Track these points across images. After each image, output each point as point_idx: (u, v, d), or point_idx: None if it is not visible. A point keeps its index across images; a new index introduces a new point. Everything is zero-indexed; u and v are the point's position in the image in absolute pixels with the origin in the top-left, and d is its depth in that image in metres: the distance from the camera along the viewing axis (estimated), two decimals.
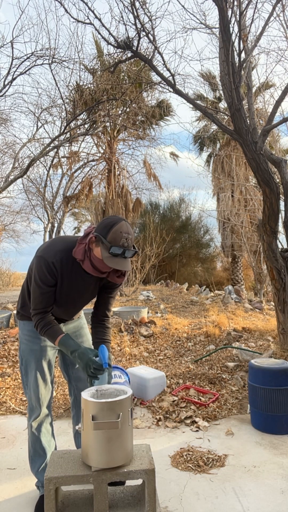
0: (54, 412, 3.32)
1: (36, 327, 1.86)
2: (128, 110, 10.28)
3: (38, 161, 10.08)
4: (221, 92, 10.45)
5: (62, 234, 13.41)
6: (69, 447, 2.67)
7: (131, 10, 4.34)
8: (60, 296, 1.88)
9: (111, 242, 1.66)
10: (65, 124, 8.63)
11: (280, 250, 4.51)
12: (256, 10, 4.08)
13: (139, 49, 4.57)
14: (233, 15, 3.73)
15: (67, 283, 1.85)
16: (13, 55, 7.13)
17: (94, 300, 2.12)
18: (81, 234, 1.89)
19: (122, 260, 1.70)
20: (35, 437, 2.03)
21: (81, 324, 2.22)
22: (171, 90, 4.59)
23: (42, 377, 2.01)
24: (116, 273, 1.88)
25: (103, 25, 4.64)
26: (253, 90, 5.07)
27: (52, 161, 12.50)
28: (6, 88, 7.67)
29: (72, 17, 5.15)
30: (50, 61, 7.52)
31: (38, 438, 2.03)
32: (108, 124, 11.25)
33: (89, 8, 4.64)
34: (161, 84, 5.67)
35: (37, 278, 1.79)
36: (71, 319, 2.14)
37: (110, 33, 4.64)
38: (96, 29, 4.78)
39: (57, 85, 8.14)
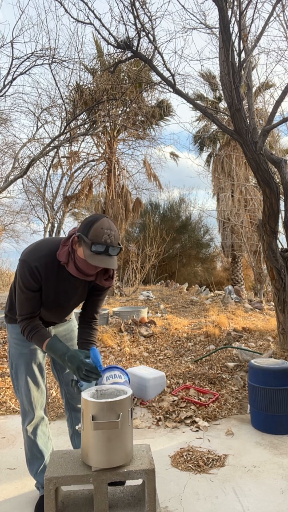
0: (54, 412, 3.32)
1: (22, 332, 1.81)
2: (128, 110, 10.28)
3: (38, 161, 10.08)
4: (221, 92, 10.46)
5: (62, 234, 13.42)
6: (69, 447, 2.67)
7: (131, 10, 4.34)
8: (47, 299, 1.83)
9: (92, 239, 1.61)
10: (65, 124, 8.64)
11: (280, 250, 4.51)
12: (256, 10, 4.09)
13: (139, 49, 4.57)
14: (233, 15, 3.74)
15: (54, 287, 1.80)
16: (13, 55, 7.14)
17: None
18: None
19: (107, 258, 1.64)
20: (31, 441, 2.01)
21: (71, 326, 2.18)
22: (171, 90, 4.60)
23: (33, 380, 1.98)
24: (103, 275, 1.83)
25: (103, 25, 4.65)
26: (253, 90, 5.06)
27: (52, 161, 12.50)
28: (6, 88, 7.68)
29: (72, 17, 5.17)
30: (50, 61, 7.53)
31: (34, 442, 2.00)
32: (108, 124, 11.24)
33: (89, 8, 4.64)
34: (161, 84, 5.68)
35: (20, 283, 1.73)
36: (61, 322, 2.11)
37: (110, 33, 4.65)
38: (96, 29, 4.79)
39: (57, 85, 8.16)
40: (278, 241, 4.59)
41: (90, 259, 1.62)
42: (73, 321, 2.22)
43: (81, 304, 2.08)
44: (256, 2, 4.02)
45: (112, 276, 1.86)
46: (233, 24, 3.79)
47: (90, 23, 4.76)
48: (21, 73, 7.57)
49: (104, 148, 13.07)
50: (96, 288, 1.96)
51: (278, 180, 4.44)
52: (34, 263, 1.71)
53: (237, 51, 3.86)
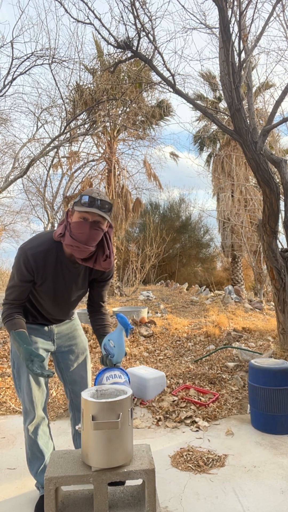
0: (54, 412, 3.32)
1: (1, 315, 1.88)
2: (128, 110, 10.28)
3: (38, 161, 10.09)
4: (221, 92, 10.45)
5: None
6: (69, 447, 2.67)
7: (131, 10, 4.34)
8: (48, 290, 1.86)
9: (82, 194, 1.72)
10: (65, 124, 8.64)
11: (280, 250, 4.51)
12: (256, 10, 4.09)
13: (139, 49, 4.57)
14: (233, 15, 3.74)
15: (53, 275, 1.83)
16: (13, 55, 7.14)
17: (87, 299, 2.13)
18: None
19: (96, 210, 1.69)
20: (32, 440, 2.00)
21: (74, 325, 2.18)
22: (171, 90, 4.59)
23: (35, 379, 1.98)
24: (101, 256, 1.85)
25: (103, 25, 4.65)
26: (253, 90, 5.07)
27: (52, 161, 12.50)
28: (6, 88, 7.68)
29: (72, 17, 5.18)
30: (50, 61, 7.54)
31: (35, 441, 2.00)
32: (108, 124, 11.24)
33: (89, 8, 4.64)
34: (161, 84, 5.68)
35: (13, 270, 1.80)
36: (65, 318, 2.11)
37: (110, 33, 4.65)
38: (96, 29, 4.79)
39: (57, 85, 8.18)
40: (278, 241, 4.60)
41: (81, 209, 1.69)
42: (76, 320, 2.22)
43: (82, 305, 2.10)
44: (256, 2, 4.02)
45: (109, 255, 1.86)
46: (233, 24, 3.79)
47: (90, 23, 4.76)
48: (21, 73, 7.57)
49: (104, 148, 13.07)
50: (97, 280, 2.00)
51: (278, 180, 4.44)
52: (31, 251, 1.76)
53: (237, 51, 3.86)
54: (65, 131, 8.74)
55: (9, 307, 1.85)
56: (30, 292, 1.91)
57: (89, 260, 1.84)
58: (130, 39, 4.49)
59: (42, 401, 2.01)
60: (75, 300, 2.02)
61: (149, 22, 4.45)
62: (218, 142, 15.66)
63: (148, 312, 7.64)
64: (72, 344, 2.13)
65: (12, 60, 7.22)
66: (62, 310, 2.02)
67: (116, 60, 5.63)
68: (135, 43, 4.51)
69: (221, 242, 16.60)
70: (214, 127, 14.51)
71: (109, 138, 12.78)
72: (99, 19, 4.61)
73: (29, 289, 1.85)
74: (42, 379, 2.02)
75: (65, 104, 8.84)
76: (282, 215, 4.51)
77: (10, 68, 7.37)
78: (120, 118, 10.60)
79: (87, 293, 2.09)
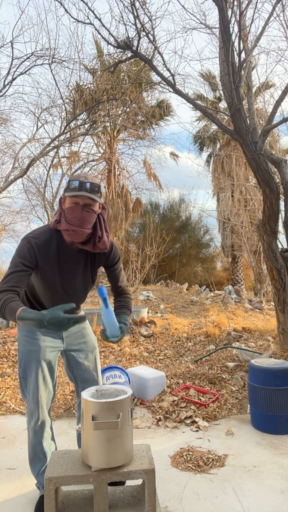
0: (54, 412, 3.32)
1: None
2: (128, 110, 10.28)
3: (38, 161, 10.07)
4: (221, 92, 10.45)
5: None
6: (69, 447, 2.67)
7: (131, 10, 4.35)
8: (54, 280, 1.87)
9: (69, 179, 1.80)
10: (65, 124, 8.63)
11: (280, 250, 4.51)
12: (256, 10, 4.09)
13: (139, 49, 4.57)
14: (233, 15, 3.74)
15: (56, 263, 1.86)
16: (13, 55, 7.12)
17: (97, 296, 2.14)
18: None
19: (85, 193, 1.75)
20: (36, 441, 1.99)
21: (82, 324, 2.18)
22: (171, 90, 4.60)
23: (42, 378, 1.96)
24: (96, 238, 1.89)
25: (103, 25, 4.65)
26: (253, 90, 5.07)
27: (52, 161, 12.47)
28: (6, 88, 7.67)
29: (72, 17, 5.17)
30: (50, 61, 7.52)
31: (39, 442, 1.99)
32: (108, 124, 11.24)
33: (89, 8, 4.64)
34: (161, 84, 5.68)
35: (15, 255, 1.81)
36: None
37: (110, 33, 4.65)
38: (96, 29, 4.79)
39: (57, 85, 8.16)
40: (278, 241, 4.60)
41: (70, 193, 1.76)
42: None
43: (85, 305, 2.09)
44: (256, 2, 4.02)
45: (102, 235, 1.90)
46: (233, 24, 3.79)
47: (90, 23, 4.76)
48: (21, 73, 7.56)
49: (104, 148, 13.07)
50: (106, 266, 2.07)
51: (278, 180, 4.44)
52: (34, 240, 1.83)
53: (237, 51, 3.86)
54: (65, 131, 8.73)
55: (4, 294, 1.66)
56: (37, 288, 1.91)
57: (88, 244, 1.89)
58: (130, 39, 4.49)
59: (47, 402, 2.00)
60: (81, 290, 2.01)
61: (149, 22, 4.45)
62: (218, 142, 15.66)
63: (148, 312, 7.64)
64: (81, 343, 2.12)
65: (12, 60, 7.21)
66: (67, 301, 2.01)
67: (116, 60, 5.63)
68: (135, 43, 4.51)
69: (221, 242, 16.60)
70: (214, 127, 14.51)
71: (109, 138, 12.78)
72: (99, 19, 4.62)
73: (27, 278, 1.77)
74: (49, 379, 1.99)
75: (65, 104, 8.84)
76: (282, 215, 4.51)
77: (10, 68, 7.35)
78: (120, 118, 10.60)
79: (93, 286, 2.10)
